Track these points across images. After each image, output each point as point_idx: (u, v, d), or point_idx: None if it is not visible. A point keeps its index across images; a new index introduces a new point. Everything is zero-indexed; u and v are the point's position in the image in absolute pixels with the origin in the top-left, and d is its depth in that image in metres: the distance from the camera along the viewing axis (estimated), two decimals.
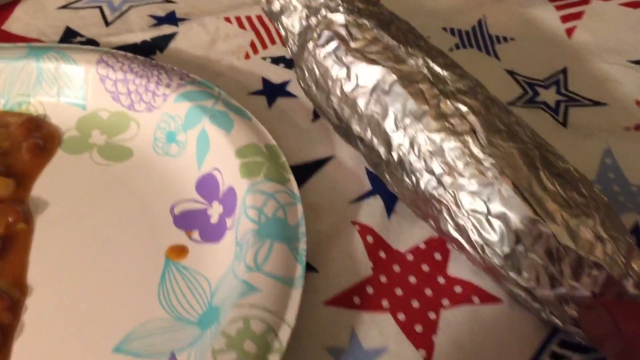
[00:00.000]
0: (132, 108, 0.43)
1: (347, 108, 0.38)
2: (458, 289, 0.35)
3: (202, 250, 0.36)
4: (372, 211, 0.39)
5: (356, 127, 0.37)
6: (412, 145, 0.34)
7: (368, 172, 0.41)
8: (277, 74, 0.48)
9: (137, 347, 0.32)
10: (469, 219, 0.32)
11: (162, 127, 0.42)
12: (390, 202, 0.39)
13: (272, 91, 0.47)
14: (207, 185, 0.39)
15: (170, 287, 0.35)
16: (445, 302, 0.34)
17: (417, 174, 0.34)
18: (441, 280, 0.35)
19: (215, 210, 0.38)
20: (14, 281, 0.34)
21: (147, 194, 0.39)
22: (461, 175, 0.32)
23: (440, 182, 0.33)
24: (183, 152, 0.41)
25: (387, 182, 0.37)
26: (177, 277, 0.35)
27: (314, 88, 0.40)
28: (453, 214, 0.32)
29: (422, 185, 0.33)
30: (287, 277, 0.32)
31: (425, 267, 0.36)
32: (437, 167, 0.33)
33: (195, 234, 0.37)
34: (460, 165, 0.32)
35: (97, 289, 0.34)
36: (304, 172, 0.41)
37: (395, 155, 0.35)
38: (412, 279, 0.35)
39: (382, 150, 0.36)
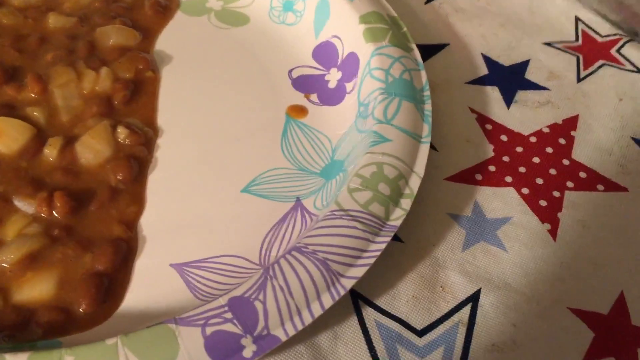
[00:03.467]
0: None
1: None
2: (583, 175, 0.34)
3: (321, 112, 0.37)
4: (489, 102, 0.38)
5: None
6: None
7: (485, 58, 0.41)
8: None
9: (263, 190, 0.33)
10: None
11: None
12: (509, 94, 0.39)
13: None
14: (324, 53, 0.40)
15: (292, 141, 0.35)
16: (570, 184, 0.34)
17: None
18: (566, 162, 0.35)
19: (333, 77, 0.38)
20: (146, 121, 0.35)
21: (265, 56, 0.40)
22: None
23: None
24: (300, 21, 0.41)
25: None
26: (298, 133, 0.36)
27: None
28: None
29: None
30: (415, 133, 0.32)
31: (549, 150, 0.35)
32: None
33: (314, 97, 0.38)
34: None
35: (223, 137, 0.35)
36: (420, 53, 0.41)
37: None
38: (536, 159, 0.35)
39: None
